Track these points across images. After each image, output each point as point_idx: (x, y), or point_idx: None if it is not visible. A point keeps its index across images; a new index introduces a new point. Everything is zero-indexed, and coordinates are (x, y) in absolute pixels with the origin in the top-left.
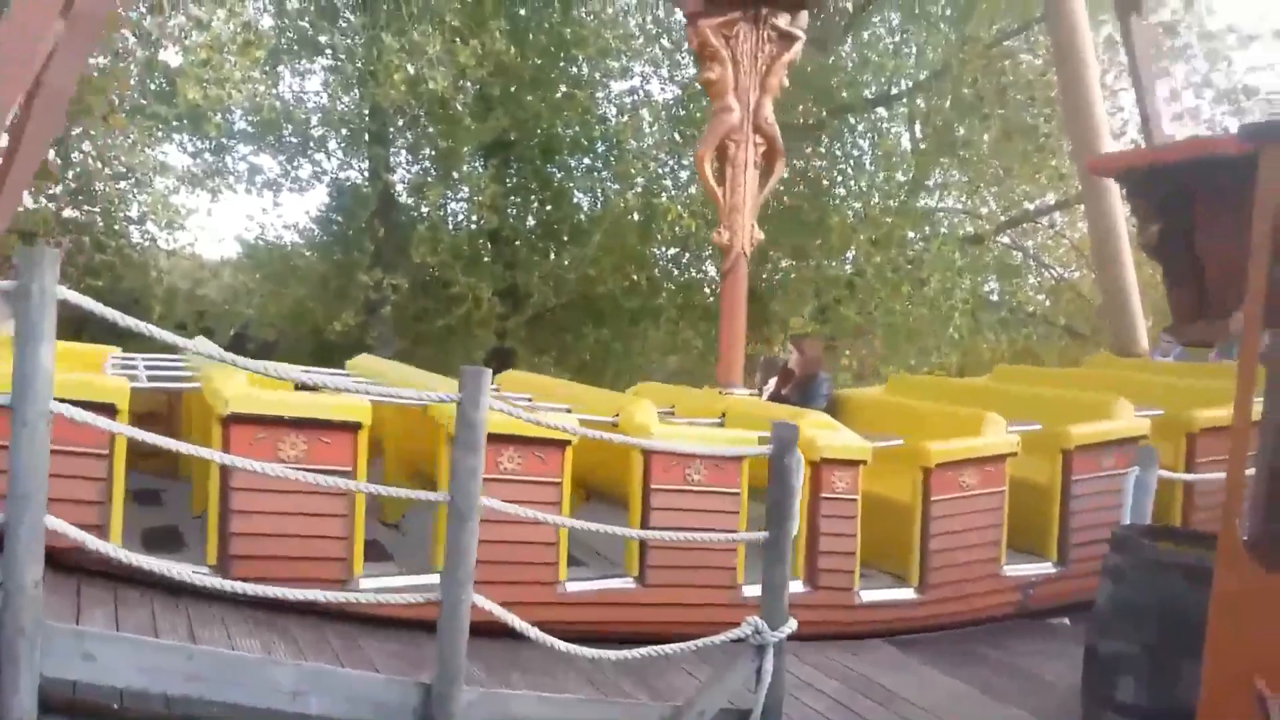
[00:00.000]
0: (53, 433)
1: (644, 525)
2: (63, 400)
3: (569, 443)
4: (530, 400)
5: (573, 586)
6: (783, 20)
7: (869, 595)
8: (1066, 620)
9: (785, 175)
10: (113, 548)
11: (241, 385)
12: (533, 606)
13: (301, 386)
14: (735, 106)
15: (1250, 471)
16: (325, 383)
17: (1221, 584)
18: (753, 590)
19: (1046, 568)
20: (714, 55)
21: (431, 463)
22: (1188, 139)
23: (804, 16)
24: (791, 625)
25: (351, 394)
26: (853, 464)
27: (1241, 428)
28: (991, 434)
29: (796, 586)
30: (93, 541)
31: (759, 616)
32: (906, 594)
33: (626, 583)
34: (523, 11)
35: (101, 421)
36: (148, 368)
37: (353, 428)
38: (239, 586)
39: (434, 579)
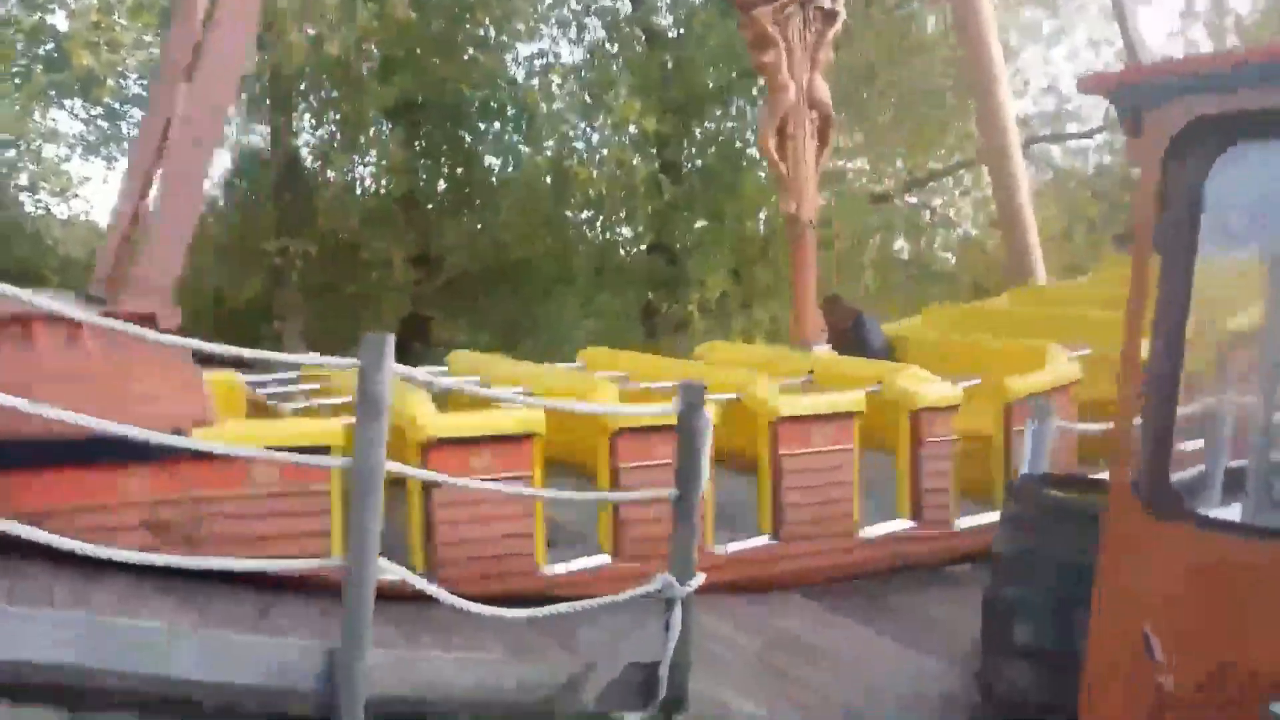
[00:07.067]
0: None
1: (776, 488)
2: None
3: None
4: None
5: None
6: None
7: (964, 523)
8: (968, 567)
9: (699, 137)
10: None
11: (432, 411)
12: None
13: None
14: (790, 86)
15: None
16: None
17: (1110, 530)
18: (870, 531)
19: None
20: (768, 40)
21: (592, 456)
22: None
23: None
24: (699, 579)
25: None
26: (948, 409)
27: (1130, 371)
28: (1058, 365)
29: (904, 524)
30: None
31: (670, 572)
32: (997, 517)
33: (765, 540)
34: None
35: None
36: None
37: (530, 438)
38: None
39: (605, 559)
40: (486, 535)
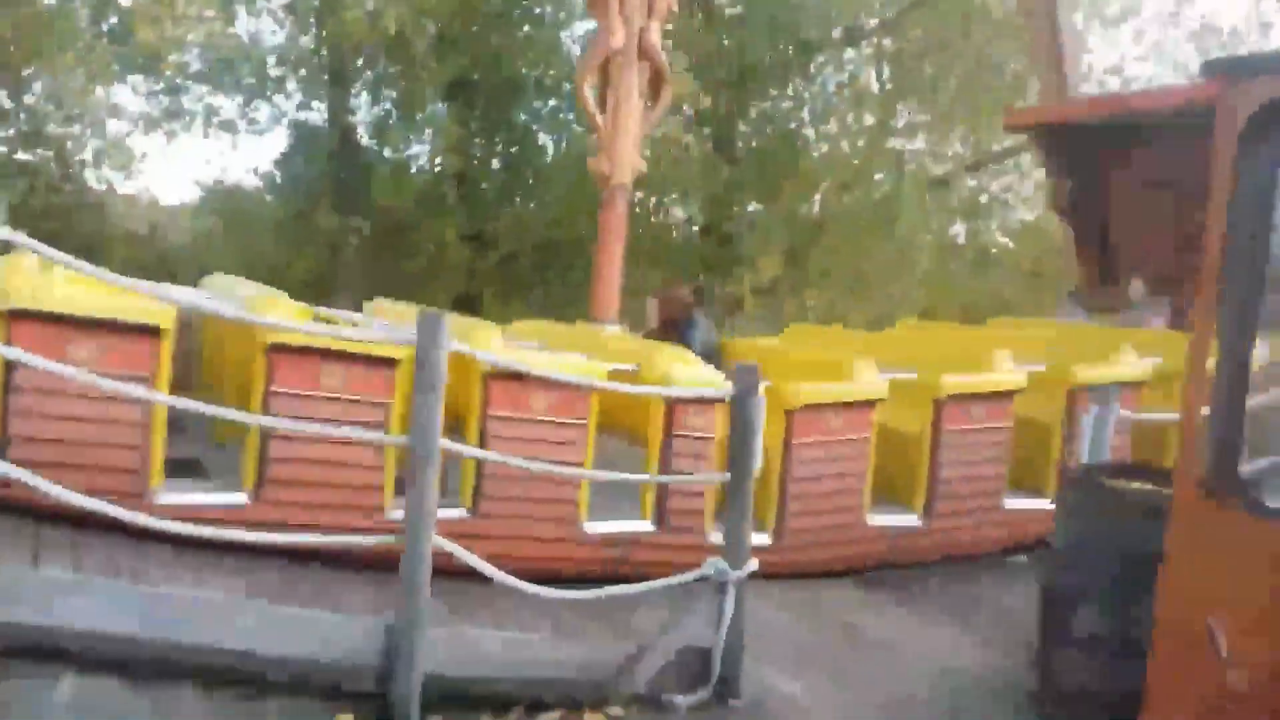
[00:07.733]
0: None
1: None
2: None
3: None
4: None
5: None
6: None
7: (718, 537)
8: (1024, 558)
9: (753, 116)
10: None
11: (29, 277)
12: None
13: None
14: (619, 28)
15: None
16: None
17: (1176, 522)
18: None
19: (912, 519)
20: None
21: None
22: (1102, 95)
23: None
24: (752, 565)
25: (156, 297)
26: (709, 402)
27: (1198, 366)
28: (860, 379)
29: (641, 525)
30: None
31: (721, 557)
32: (762, 539)
33: (462, 513)
34: None
35: None
36: None
37: (152, 331)
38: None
39: (240, 497)
40: (81, 438)
